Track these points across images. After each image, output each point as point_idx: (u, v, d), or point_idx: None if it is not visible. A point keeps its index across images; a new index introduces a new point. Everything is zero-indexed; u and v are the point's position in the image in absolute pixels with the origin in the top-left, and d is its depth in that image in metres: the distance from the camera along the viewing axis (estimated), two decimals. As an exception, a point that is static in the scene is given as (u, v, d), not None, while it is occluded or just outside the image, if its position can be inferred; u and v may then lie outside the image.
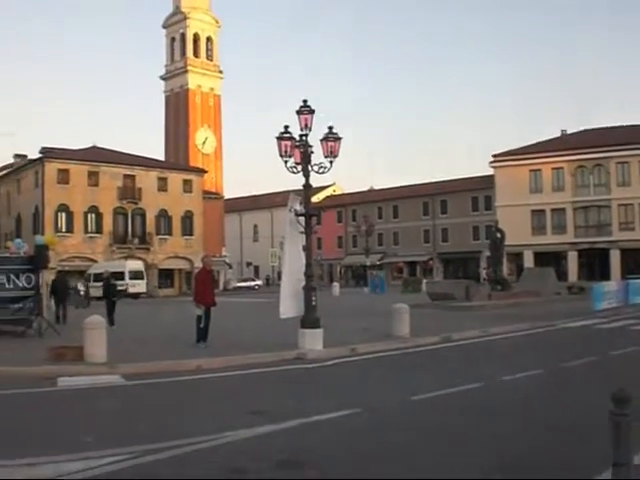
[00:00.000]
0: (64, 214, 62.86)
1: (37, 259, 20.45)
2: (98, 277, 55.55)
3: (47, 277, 24.30)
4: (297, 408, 9.63)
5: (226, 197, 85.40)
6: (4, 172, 73.00)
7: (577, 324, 22.35)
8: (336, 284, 56.20)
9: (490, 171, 70.85)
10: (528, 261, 63.47)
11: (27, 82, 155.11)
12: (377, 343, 16.87)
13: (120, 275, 55.02)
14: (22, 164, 68.67)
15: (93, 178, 64.29)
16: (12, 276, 20.05)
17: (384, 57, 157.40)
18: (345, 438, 8.05)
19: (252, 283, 79.48)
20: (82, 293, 43.35)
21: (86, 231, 64.22)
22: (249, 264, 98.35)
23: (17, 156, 71.72)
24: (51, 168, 62.20)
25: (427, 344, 17.34)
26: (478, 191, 73.96)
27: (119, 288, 51.80)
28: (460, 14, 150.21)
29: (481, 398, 10.31)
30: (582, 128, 70.53)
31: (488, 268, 42.11)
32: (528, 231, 65.48)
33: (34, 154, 66.04)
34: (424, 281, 51.25)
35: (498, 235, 35.61)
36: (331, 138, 15.86)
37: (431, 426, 8.65)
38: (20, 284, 20.13)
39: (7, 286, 19.95)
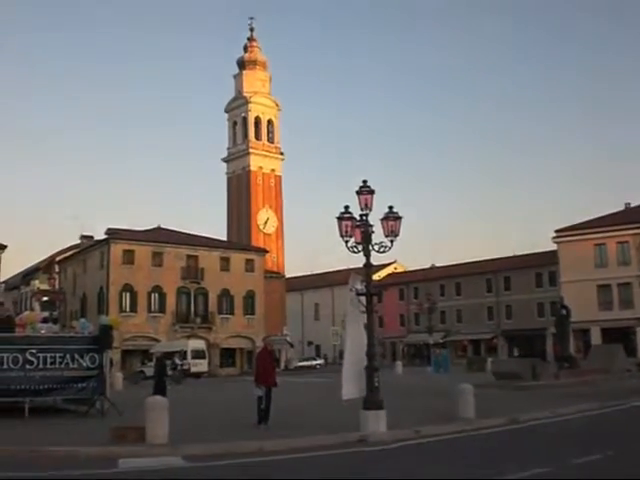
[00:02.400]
0: (128, 294, 63.82)
1: (101, 339, 20.69)
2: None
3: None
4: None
5: (287, 276, 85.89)
6: (71, 252, 74.73)
7: (649, 403, 21.51)
8: (399, 363, 55.42)
9: (553, 246, 69.99)
10: (595, 337, 61.88)
11: (93, 165, 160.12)
12: (442, 425, 16.43)
13: (182, 355, 55.60)
14: (88, 245, 70.28)
15: (157, 258, 65.38)
16: (76, 355, 20.28)
17: (442, 135, 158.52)
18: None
19: (313, 362, 78.87)
20: (179, 368, 43.80)
21: (149, 310, 64.99)
22: (310, 343, 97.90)
23: (83, 237, 73.43)
24: (116, 249, 63.51)
25: (493, 426, 16.80)
26: (542, 267, 72.97)
27: (184, 367, 53.30)
28: (519, 89, 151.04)
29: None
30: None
31: (554, 345, 41.11)
32: (594, 307, 63.99)
33: (100, 235, 67.79)
34: (489, 360, 50.17)
35: (564, 312, 34.84)
36: (391, 217, 15.84)
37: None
38: (84, 364, 20.33)
39: (71, 365, 20.16)
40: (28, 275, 79.69)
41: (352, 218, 15.65)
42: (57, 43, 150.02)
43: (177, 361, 45.20)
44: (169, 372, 43.08)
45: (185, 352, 53.99)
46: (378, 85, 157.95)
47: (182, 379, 42.97)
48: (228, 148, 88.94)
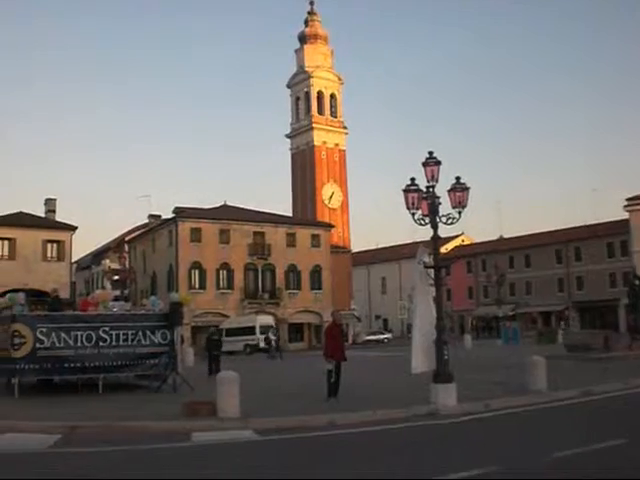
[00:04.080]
0: (197, 271, 64.72)
1: (172, 316, 20.95)
2: (230, 332, 57.37)
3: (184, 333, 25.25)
4: (431, 466, 9.33)
5: (353, 250, 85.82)
6: (140, 232, 76.04)
7: None
8: (468, 336, 54.96)
9: (625, 215, 68.37)
10: (670, 308, 60.27)
11: (160, 146, 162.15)
12: (512, 398, 16.23)
13: (251, 330, 56.34)
14: (157, 224, 71.36)
15: (224, 236, 66.04)
16: (148, 332, 20.62)
17: (509, 102, 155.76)
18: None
19: (381, 336, 78.79)
20: (273, 343, 43.65)
21: (218, 287, 65.81)
22: (378, 317, 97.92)
23: (152, 216, 74.58)
24: (184, 227, 64.36)
25: (565, 398, 16.53)
26: (613, 236, 71.39)
27: (252, 343, 54.19)
28: (586, 54, 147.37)
29: (627, 454, 9.70)
30: None
31: (627, 316, 40.23)
32: (669, 276, 62.35)
33: (167, 214, 68.76)
34: (560, 331, 49.41)
35: (637, 282, 34.06)
36: (459, 188, 15.58)
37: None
38: (156, 340, 20.67)
39: (143, 342, 20.52)
40: (99, 255, 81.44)
41: (418, 190, 15.47)
42: (125, 28, 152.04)
43: (271, 336, 45.09)
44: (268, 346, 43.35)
45: (274, 327, 53.96)
46: (441, 53, 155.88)
47: (277, 353, 42.56)
48: (291, 124, 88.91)
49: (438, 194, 15.62)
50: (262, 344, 55.47)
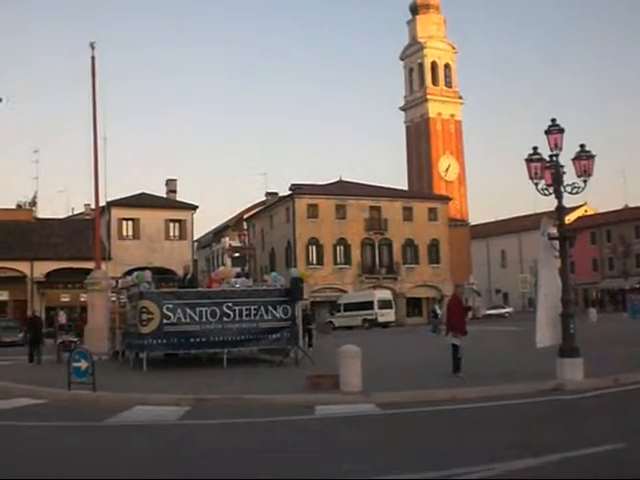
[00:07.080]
0: (314, 247, 65.36)
1: (292, 291, 21.19)
2: (348, 307, 57.74)
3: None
4: (558, 441, 9.10)
5: (471, 223, 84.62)
6: (257, 209, 77.33)
7: None
8: (592, 309, 53.44)
9: None
10: None
11: (275, 124, 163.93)
12: (642, 373, 15.66)
13: (369, 304, 56.65)
14: (274, 201, 72.45)
15: (340, 211, 66.37)
16: (270, 307, 20.94)
17: (628, 69, 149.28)
18: (611, 474, 7.46)
19: (502, 310, 77.51)
20: (440, 317, 42.82)
21: (335, 263, 66.27)
22: (498, 291, 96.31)
23: (269, 194, 75.74)
24: (301, 204, 65.03)
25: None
26: None
27: (370, 317, 54.37)
28: None
29: None
30: None
31: None
32: None
33: (283, 191, 69.60)
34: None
35: None
36: (584, 156, 15.05)
37: None
38: (277, 315, 20.97)
39: (265, 317, 20.85)
40: (218, 233, 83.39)
41: (541, 159, 15.06)
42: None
43: (438, 310, 44.73)
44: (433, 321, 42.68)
45: (438, 301, 53.34)
46: (558, 14, 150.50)
47: (438, 327, 41.17)
48: (405, 96, 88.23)
49: (562, 163, 15.16)
50: (381, 319, 55.86)
